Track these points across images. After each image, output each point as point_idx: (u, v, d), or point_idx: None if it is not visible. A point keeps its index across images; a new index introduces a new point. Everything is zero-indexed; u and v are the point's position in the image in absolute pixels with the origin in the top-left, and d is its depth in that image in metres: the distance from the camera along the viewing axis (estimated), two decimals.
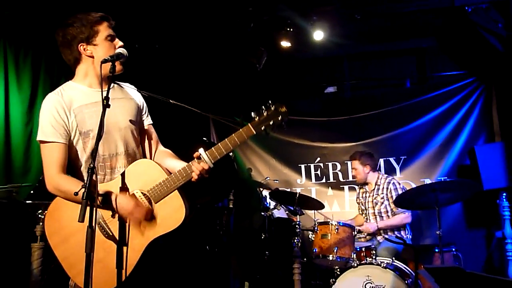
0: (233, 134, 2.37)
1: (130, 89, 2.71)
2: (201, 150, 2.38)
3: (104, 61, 2.34)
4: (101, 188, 2.35)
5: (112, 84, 2.54)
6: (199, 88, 6.75)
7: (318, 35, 6.08)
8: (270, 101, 2.39)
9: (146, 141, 2.71)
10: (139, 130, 2.65)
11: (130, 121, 2.56)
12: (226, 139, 2.37)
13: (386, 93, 7.13)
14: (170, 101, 2.77)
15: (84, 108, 2.40)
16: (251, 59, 6.32)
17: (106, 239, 2.36)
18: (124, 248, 2.34)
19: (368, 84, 7.35)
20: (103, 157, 2.48)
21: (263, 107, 2.39)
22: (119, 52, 2.43)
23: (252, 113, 2.39)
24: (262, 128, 2.37)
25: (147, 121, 2.73)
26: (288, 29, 6.00)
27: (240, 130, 2.37)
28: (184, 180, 2.38)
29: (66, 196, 2.39)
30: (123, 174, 2.43)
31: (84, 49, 2.49)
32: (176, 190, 2.39)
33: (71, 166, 2.52)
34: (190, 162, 2.39)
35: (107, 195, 2.34)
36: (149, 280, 2.48)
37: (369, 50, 7.13)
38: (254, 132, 2.37)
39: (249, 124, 2.38)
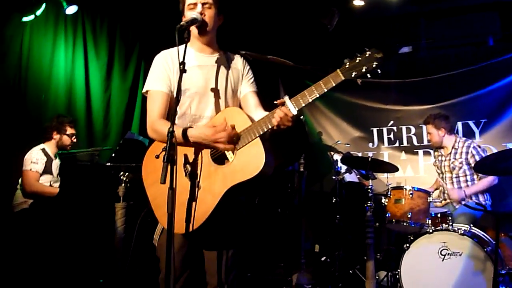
0: (319, 81, 2.24)
1: (236, 59, 2.77)
2: (285, 97, 2.31)
3: (180, 27, 2.37)
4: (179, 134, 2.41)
5: (218, 52, 2.68)
6: (270, 50, 6.69)
7: None
8: (366, 48, 2.20)
9: (245, 106, 2.71)
10: (235, 97, 2.71)
11: (228, 88, 2.64)
12: (312, 86, 2.25)
13: (465, 52, 6.71)
14: (268, 57, 2.76)
15: (187, 68, 2.39)
16: (323, 20, 6.17)
17: (189, 183, 2.40)
18: (205, 193, 2.38)
19: (446, 43, 6.97)
20: (194, 117, 2.58)
21: (357, 53, 2.21)
22: (192, 18, 2.45)
23: (345, 60, 2.21)
24: (353, 74, 2.18)
25: (247, 88, 2.73)
26: None
27: (328, 76, 2.22)
28: (266, 127, 2.33)
29: (161, 138, 2.47)
30: (211, 121, 2.52)
31: (183, 19, 2.59)
32: (258, 139, 2.35)
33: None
34: (275, 109, 2.32)
35: (186, 134, 2.39)
36: (225, 234, 2.53)
37: (447, 6, 6.69)
38: (343, 78, 2.20)
39: (338, 70, 2.21)
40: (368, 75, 2.17)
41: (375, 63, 2.16)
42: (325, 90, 2.22)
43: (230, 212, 2.50)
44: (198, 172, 2.41)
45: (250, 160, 2.34)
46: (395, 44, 7.08)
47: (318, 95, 2.24)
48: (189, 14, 2.52)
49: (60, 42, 5.46)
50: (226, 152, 2.43)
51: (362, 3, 6.04)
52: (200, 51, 2.64)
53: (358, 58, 2.18)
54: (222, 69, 2.66)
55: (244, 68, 2.76)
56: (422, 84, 6.65)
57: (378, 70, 2.17)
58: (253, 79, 2.78)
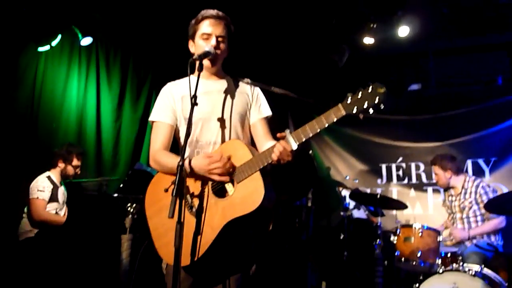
0: (321, 115, 2.19)
1: (243, 84, 2.74)
2: (287, 131, 2.27)
3: (192, 60, 2.40)
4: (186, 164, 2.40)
5: (224, 78, 2.67)
6: (279, 85, 6.72)
7: (404, 30, 5.83)
8: (369, 82, 2.13)
9: (254, 135, 2.70)
10: (244, 123, 2.67)
11: (234, 114, 2.60)
12: (313, 120, 2.20)
13: (475, 90, 6.73)
14: (272, 88, 2.74)
15: (189, 95, 2.39)
16: (333, 57, 6.22)
17: (190, 215, 2.39)
18: (204, 226, 2.35)
19: (455, 81, 6.97)
20: (200, 143, 2.56)
21: (360, 87, 2.14)
22: (205, 51, 2.47)
23: (348, 94, 2.15)
24: (354, 109, 2.12)
25: (256, 116, 2.70)
26: (372, 25, 5.81)
27: (330, 110, 2.17)
28: (266, 161, 2.29)
29: (163, 170, 2.49)
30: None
31: (191, 46, 2.64)
32: (259, 172, 2.31)
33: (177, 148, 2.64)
34: (275, 143, 2.28)
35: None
36: (232, 268, 2.47)
37: (456, 45, 6.78)
38: (344, 113, 2.14)
39: (339, 104, 2.15)
40: (370, 110, 2.10)
41: (377, 98, 2.09)
42: (326, 125, 2.18)
43: (238, 246, 2.46)
44: (198, 204, 2.39)
45: (249, 194, 2.31)
46: (404, 81, 7.12)
47: (319, 130, 2.19)
48: (201, 44, 2.54)
49: (73, 72, 5.51)
50: (226, 185, 2.40)
51: (372, 40, 6.04)
52: (206, 78, 2.63)
53: (360, 93, 2.13)
54: (228, 94, 2.63)
55: (253, 93, 2.73)
56: (432, 121, 6.66)
57: (381, 105, 2.10)
58: (262, 103, 2.74)
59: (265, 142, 2.61)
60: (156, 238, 2.50)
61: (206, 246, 2.32)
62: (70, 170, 4.84)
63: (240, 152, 2.41)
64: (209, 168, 2.35)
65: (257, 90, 2.75)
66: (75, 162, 4.86)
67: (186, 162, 2.35)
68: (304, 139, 2.24)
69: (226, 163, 2.36)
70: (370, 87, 2.12)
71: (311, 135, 2.22)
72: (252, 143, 2.69)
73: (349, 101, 2.14)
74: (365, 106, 2.11)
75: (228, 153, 2.43)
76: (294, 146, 2.25)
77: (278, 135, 2.30)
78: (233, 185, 2.38)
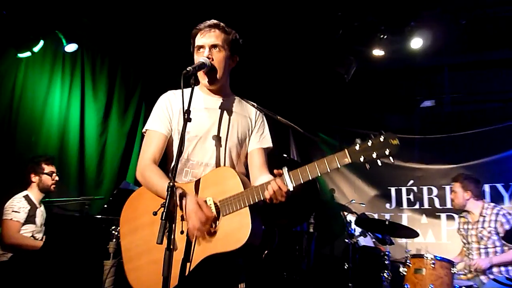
0: (324, 158, 2.11)
1: (249, 107, 2.66)
2: (284, 169, 2.18)
3: (186, 72, 2.27)
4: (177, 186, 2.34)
5: (229, 97, 2.60)
6: (282, 100, 6.71)
7: (416, 42, 5.65)
8: (382, 131, 2.04)
9: (250, 164, 2.59)
10: (242, 147, 2.57)
11: (233, 136, 2.52)
12: (315, 162, 2.12)
13: (493, 108, 6.72)
14: (278, 117, 2.59)
15: (191, 110, 2.28)
16: (339, 69, 6.07)
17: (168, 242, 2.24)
18: (180, 255, 2.23)
19: (472, 98, 6.92)
20: (191, 162, 2.45)
21: (371, 135, 2.06)
22: (200, 63, 2.36)
23: (356, 139, 2.06)
24: (361, 158, 2.04)
25: (255, 144, 2.59)
26: (382, 36, 5.64)
27: (334, 154, 2.10)
28: (258, 197, 2.20)
29: (147, 186, 2.41)
30: (202, 178, 2.41)
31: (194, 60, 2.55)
32: (247, 208, 2.22)
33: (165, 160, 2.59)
34: (270, 180, 2.20)
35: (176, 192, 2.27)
36: None
37: (474, 60, 6.64)
38: (350, 161, 2.05)
39: (345, 149, 2.08)
40: (378, 161, 2.03)
41: (388, 150, 2.01)
42: (328, 170, 2.11)
43: (224, 276, 2.35)
44: (180, 232, 2.27)
45: (234, 231, 2.21)
46: (417, 97, 7.05)
47: (319, 174, 2.12)
48: (196, 58, 2.46)
49: (56, 81, 5.33)
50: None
51: (382, 53, 5.88)
52: (208, 94, 2.56)
53: (370, 141, 2.06)
54: (230, 114, 2.54)
55: (256, 120, 2.63)
56: (446, 141, 6.59)
57: (391, 158, 2.01)
58: (265, 133, 2.65)
59: (259, 174, 2.51)
60: (127, 261, 2.41)
61: (182, 277, 2.21)
62: (46, 179, 4.61)
63: (231, 182, 2.31)
64: (193, 216, 2.20)
65: (262, 117, 2.68)
66: (47, 168, 4.64)
67: (180, 192, 2.24)
68: (302, 182, 2.16)
69: (207, 226, 2.23)
70: (382, 136, 2.05)
71: (310, 178, 2.14)
72: (246, 171, 2.62)
73: (357, 148, 2.07)
74: (373, 156, 2.04)
75: (218, 180, 2.36)
76: (290, 187, 2.16)
77: (275, 171, 2.22)
78: (218, 216, 2.27)
